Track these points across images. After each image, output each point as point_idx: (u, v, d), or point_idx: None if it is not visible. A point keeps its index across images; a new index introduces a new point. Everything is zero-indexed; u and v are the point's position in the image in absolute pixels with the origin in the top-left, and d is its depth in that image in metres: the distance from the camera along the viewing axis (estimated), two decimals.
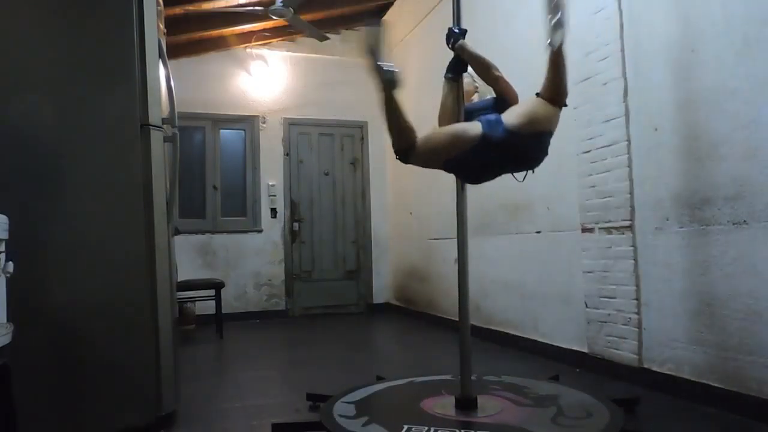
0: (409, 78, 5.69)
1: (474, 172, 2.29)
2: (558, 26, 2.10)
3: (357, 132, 6.39)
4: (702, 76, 2.37)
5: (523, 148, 2.18)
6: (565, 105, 2.23)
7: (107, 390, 2.12)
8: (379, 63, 2.16)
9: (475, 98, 2.56)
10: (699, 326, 2.38)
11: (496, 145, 2.11)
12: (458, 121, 2.36)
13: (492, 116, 2.18)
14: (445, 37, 2.44)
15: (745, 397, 2.16)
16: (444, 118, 2.42)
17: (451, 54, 2.45)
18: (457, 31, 2.40)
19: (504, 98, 2.33)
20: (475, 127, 2.15)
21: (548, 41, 2.12)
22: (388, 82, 2.18)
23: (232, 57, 5.90)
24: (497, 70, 2.34)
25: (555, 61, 2.16)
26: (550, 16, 2.10)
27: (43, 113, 2.12)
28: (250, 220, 5.94)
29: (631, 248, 2.73)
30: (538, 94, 2.21)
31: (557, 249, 3.34)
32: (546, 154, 2.26)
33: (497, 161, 2.21)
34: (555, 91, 2.19)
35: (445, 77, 2.44)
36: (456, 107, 2.39)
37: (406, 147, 2.20)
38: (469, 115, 2.37)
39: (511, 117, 2.15)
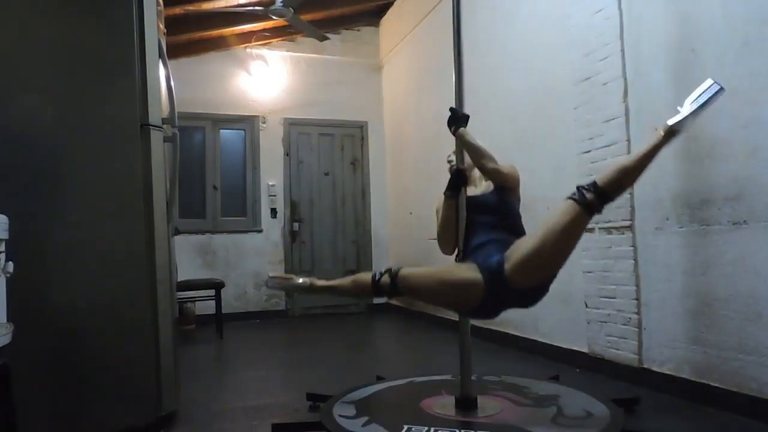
0: (409, 78, 5.71)
1: (479, 315, 2.32)
2: (696, 114, 1.92)
3: (357, 132, 6.39)
4: (702, 76, 2.36)
5: (530, 297, 2.11)
6: (599, 212, 1.97)
7: (107, 390, 2.12)
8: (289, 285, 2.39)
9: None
10: (699, 326, 2.38)
11: (499, 299, 2.05)
12: (458, 235, 2.31)
13: (494, 261, 2.02)
14: (448, 108, 2.37)
15: (745, 397, 2.16)
16: (444, 233, 2.39)
17: (450, 56, 2.44)
18: (459, 115, 2.31)
19: (504, 186, 2.28)
20: (476, 280, 2.01)
21: (674, 123, 1.93)
22: (303, 288, 2.34)
23: (232, 57, 5.90)
24: (494, 161, 2.25)
25: (657, 149, 1.92)
26: (696, 102, 1.93)
27: (43, 113, 2.12)
28: (250, 220, 5.94)
29: (631, 248, 2.73)
30: (576, 198, 1.95)
31: None
32: (547, 291, 2.16)
33: (501, 306, 2.14)
34: (619, 185, 1.96)
35: (444, 194, 2.36)
36: (455, 223, 2.32)
37: (376, 294, 2.15)
38: (470, 207, 2.31)
39: (514, 267, 1.96)
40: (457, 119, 2.33)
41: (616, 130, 2.82)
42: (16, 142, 2.06)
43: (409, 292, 2.13)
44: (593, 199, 1.93)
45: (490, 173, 2.28)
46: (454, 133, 2.32)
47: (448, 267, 2.24)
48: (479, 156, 2.27)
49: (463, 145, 2.31)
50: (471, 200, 2.35)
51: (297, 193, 6.11)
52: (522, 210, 2.35)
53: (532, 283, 2.02)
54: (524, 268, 1.96)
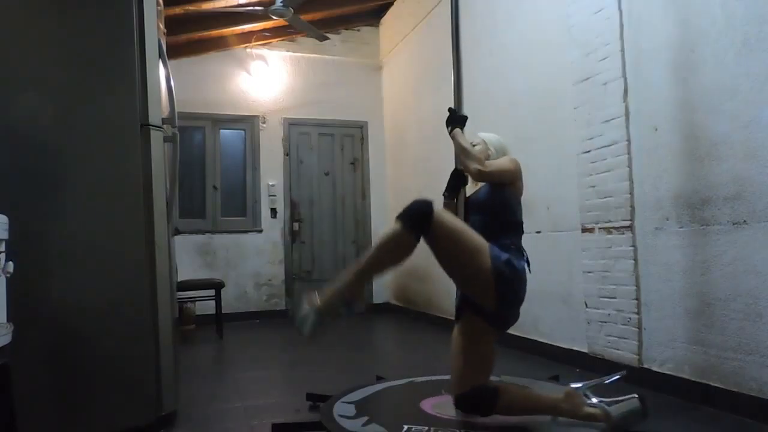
0: (409, 78, 5.71)
1: (506, 328, 2.23)
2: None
3: (357, 132, 6.39)
4: (702, 76, 2.37)
5: (501, 299, 2.07)
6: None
7: (107, 390, 2.12)
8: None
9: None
10: (699, 326, 2.38)
11: (499, 318, 2.12)
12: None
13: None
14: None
15: (745, 397, 2.16)
16: None
17: (448, 54, 2.44)
18: (457, 116, 2.33)
19: (499, 183, 2.24)
20: (487, 328, 2.13)
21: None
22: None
23: (232, 57, 5.90)
24: (479, 162, 2.20)
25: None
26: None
27: (43, 113, 2.12)
28: (250, 220, 5.94)
29: (631, 248, 2.73)
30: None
31: (557, 249, 3.34)
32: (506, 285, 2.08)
33: (511, 318, 2.17)
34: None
35: (443, 195, 2.37)
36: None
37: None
38: (467, 206, 2.31)
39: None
40: (455, 120, 2.33)
41: (615, 130, 2.82)
42: (16, 142, 2.06)
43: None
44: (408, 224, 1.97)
45: (472, 175, 2.26)
46: (450, 134, 2.33)
47: (459, 344, 2.16)
48: (464, 157, 2.25)
49: (455, 143, 2.31)
50: (467, 199, 2.35)
51: (297, 193, 6.11)
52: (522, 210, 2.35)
53: (475, 293, 2.08)
54: (465, 288, 2.13)
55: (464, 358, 2.11)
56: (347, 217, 6.30)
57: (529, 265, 2.19)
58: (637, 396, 1.98)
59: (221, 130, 5.95)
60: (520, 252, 2.18)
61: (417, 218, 1.95)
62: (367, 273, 1.99)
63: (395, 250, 1.97)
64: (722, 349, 2.27)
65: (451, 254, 2.03)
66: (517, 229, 2.25)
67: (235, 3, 4.84)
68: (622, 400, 1.98)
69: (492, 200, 2.24)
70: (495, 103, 3.95)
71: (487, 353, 2.13)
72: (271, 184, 5.96)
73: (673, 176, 2.51)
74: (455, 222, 2.07)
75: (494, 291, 2.00)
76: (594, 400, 2.02)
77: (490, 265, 1.99)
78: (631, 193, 2.74)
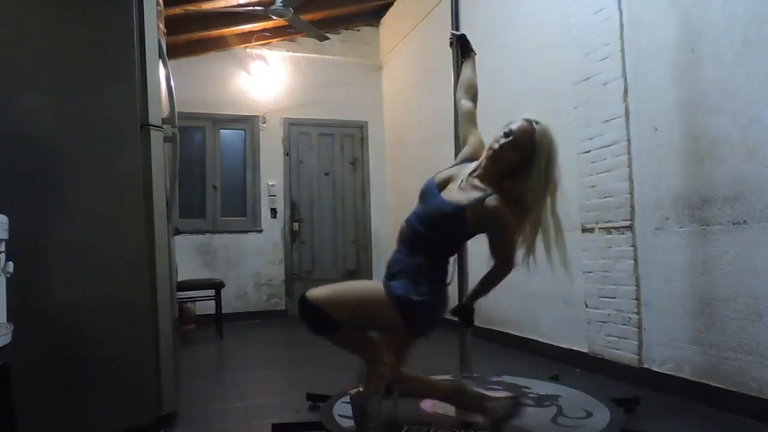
0: (409, 78, 5.71)
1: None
2: None
3: (357, 132, 6.39)
4: (702, 76, 2.37)
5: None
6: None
7: (107, 390, 2.12)
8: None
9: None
10: (699, 326, 2.38)
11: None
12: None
13: None
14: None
15: (745, 397, 2.16)
16: None
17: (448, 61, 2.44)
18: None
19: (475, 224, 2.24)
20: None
21: None
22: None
23: (232, 57, 5.90)
24: (494, 282, 2.33)
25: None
26: None
27: (43, 113, 2.12)
28: (250, 220, 5.94)
29: (631, 248, 2.73)
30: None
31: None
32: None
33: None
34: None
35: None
36: None
37: None
38: (422, 193, 2.37)
39: None
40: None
41: (616, 130, 2.82)
42: (16, 142, 2.06)
43: None
44: None
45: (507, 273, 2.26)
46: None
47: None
48: (482, 296, 2.37)
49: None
50: (426, 189, 2.28)
51: (297, 193, 6.11)
52: None
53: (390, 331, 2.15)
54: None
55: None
56: (347, 217, 6.30)
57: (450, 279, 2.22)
58: (515, 396, 2.12)
59: (221, 130, 5.95)
60: (430, 275, 2.13)
61: (315, 323, 2.00)
62: (369, 356, 2.11)
63: (354, 346, 2.10)
64: (722, 349, 2.27)
65: (354, 317, 2.03)
66: (446, 254, 2.23)
67: (235, 3, 4.84)
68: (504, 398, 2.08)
69: (437, 232, 2.17)
70: (495, 104, 3.94)
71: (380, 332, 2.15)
72: (271, 184, 5.96)
73: (673, 176, 2.51)
74: (334, 291, 2.03)
75: (406, 327, 2.08)
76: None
77: (392, 308, 2.01)
78: (631, 193, 2.74)
